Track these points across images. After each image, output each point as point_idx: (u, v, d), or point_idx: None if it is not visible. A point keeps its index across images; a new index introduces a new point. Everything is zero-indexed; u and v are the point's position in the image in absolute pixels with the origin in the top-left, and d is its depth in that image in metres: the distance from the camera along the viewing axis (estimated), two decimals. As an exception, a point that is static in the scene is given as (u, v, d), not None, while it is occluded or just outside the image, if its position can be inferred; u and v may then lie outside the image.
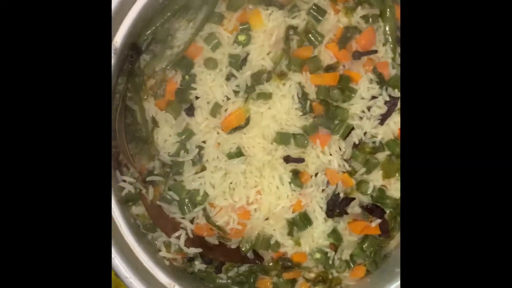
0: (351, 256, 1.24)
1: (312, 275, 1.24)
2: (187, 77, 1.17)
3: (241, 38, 1.17)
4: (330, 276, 1.25)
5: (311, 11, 1.18)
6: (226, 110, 1.16)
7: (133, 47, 1.14)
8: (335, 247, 1.23)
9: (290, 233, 1.20)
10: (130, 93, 1.17)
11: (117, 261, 0.99)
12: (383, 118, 1.20)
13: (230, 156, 1.16)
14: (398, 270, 1.20)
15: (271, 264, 1.22)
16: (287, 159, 1.17)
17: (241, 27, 1.17)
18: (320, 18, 1.19)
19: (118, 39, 1.04)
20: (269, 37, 1.17)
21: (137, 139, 1.17)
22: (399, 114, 1.21)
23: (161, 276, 1.07)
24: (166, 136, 1.17)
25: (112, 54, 1.04)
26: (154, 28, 1.15)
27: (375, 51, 1.21)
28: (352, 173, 1.21)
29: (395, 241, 1.29)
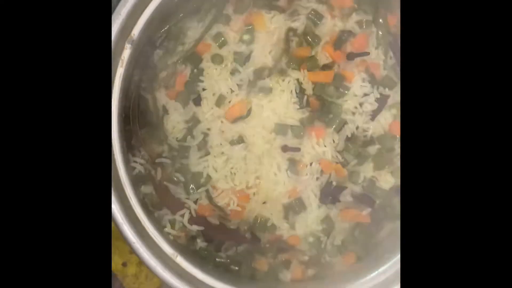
0: (343, 242, 1.31)
1: (306, 258, 1.31)
2: (195, 70, 1.27)
3: (246, 37, 1.27)
4: (323, 260, 1.31)
5: (310, 15, 1.29)
6: (230, 101, 1.25)
7: (148, 42, 1.25)
8: (327, 232, 1.29)
9: (285, 217, 1.27)
10: (144, 84, 1.28)
11: (126, 228, 1.09)
12: (374, 114, 1.29)
13: (232, 143, 1.25)
14: (387, 255, 1.27)
15: (267, 245, 1.29)
16: (285, 148, 1.26)
17: (246, 28, 1.28)
18: (317, 22, 1.30)
19: (136, 31, 1.16)
20: (271, 37, 1.28)
21: (148, 125, 1.27)
22: (389, 111, 1.31)
23: (165, 246, 1.15)
24: (174, 123, 1.26)
25: (129, 45, 1.15)
26: (168, 27, 1.27)
27: (368, 53, 1.30)
28: (344, 164, 1.28)
29: (385, 230, 1.35)
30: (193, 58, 1.28)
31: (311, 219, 1.28)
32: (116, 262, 1.41)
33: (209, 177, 1.25)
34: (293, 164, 1.26)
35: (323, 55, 1.29)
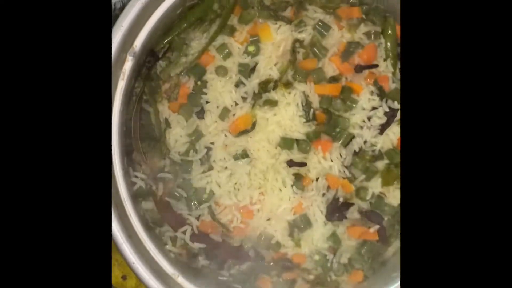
0: (350, 260, 1.27)
1: (311, 277, 1.28)
2: (199, 83, 1.25)
3: (251, 49, 1.25)
4: (328, 279, 1.28)
5: (317, 26, 1.27)
6: (234, 114, 1.23)
7: (150, 53, 1.23)
8: (334, 250, 1.26)
9: (290, 235, 1.24)
10: (146, 96, 1.25)
11: (125, 247, 1.05)
12: (383, 128, 1.26)
13: (236, 157, 1.22)
14: (395, 274, 1.23)
15: (271, 263, 1.26)
16: (290, 163, 1.23)
17: (251, 39, 1.25)
18: (324, 33, 1.27)
19: (138, 43, 1.14)
20: (277, 49, 1.26)
21: (150, 139, 1.25)
22: (398, 125, 1.27)
23: (166, 265, 1.12)
24: (177, 137, 1.24)
25: (131, 57, 1.13)
26: (171, 37, 1.24)
27: (376, 65, 1.27)
28: (352, 179, 1.25)
29: (393, 248, 1.31)
30: (197, 70, 1.25)
31: (317, 236, 1.25)
32: (115, 275, 1.39)
33: (212, 192, 1.22)
34: (298, 180, 1.23)
35: (330, 67, 1.27)
